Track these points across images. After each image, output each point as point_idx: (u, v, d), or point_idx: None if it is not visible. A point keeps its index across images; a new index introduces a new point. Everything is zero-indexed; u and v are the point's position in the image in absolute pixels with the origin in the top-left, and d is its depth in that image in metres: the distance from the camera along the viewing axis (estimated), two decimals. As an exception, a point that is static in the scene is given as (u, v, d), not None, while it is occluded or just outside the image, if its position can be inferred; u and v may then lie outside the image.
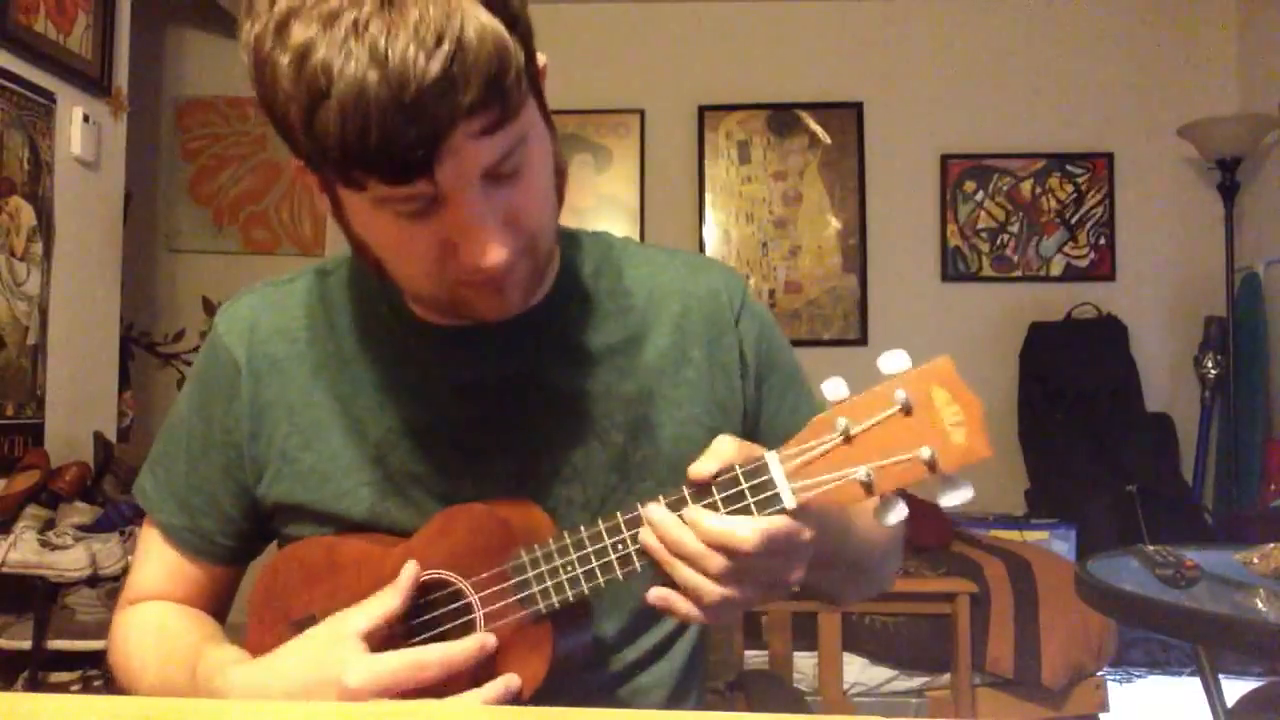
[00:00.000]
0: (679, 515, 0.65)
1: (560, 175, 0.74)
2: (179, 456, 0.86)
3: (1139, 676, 3.24)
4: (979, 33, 3.98)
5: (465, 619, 0.72)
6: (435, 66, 0.57)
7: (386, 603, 0.70)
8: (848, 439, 0.61)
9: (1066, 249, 3.92)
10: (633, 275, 0.86)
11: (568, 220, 0.80)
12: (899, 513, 0.61)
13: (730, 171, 4.01)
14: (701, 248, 3.97)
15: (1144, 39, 3.92)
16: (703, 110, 4.00)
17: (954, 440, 0.59)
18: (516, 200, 0.67)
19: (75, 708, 0.59)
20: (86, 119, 2.52)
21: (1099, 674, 2.61)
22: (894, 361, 0.60)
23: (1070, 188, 3.93)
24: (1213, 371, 3.68)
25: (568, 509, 0.79)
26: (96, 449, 2.44)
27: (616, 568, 0.67)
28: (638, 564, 0.67)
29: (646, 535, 0.66)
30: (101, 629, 1.95)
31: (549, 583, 0.69)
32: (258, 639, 0.78)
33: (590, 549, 0.68)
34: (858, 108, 3.98)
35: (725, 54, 4.03)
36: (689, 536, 0.64)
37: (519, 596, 0.70)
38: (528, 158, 0.67)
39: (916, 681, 2.57)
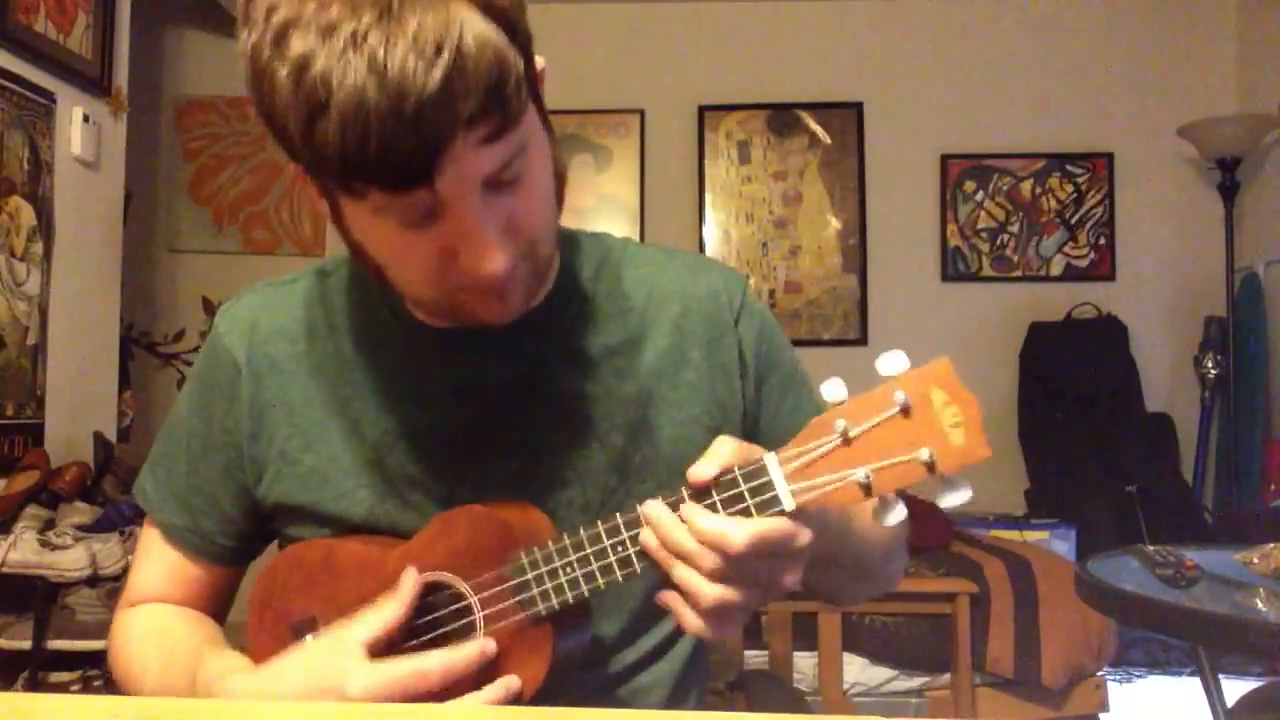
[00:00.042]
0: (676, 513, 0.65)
1: (560, 179, 0.74)
2: (179, 457, 0.86)
3: (1139, 676, 3.24)
4: (979, 33, 3.98)
5: (465, 620, 0.72)
6: (435, 77, 0.57)
7: (387, 613, 0.70)
8: (847, 440, 0.61)
9: (1066, 249, 3.93)
10: (632, 276, 0.86)
11: (568, 220, 0.80)
12: (898, 514, 0.61)
13: (730, 171, 4.01)
14: (701, 248, 3.97)
15: (1144, 39, 3.92)
16: (703, 110, 4.00)
17: (953, 441, 0.59)
18: (517, 207, 0.67)
19: (75, 708, 0.59)
20: (86, 119, 2.52)
21: (1099, 674, 2.61)
22: (892, 363, 0.60)
23: (1070, 188, 3.93)
24: (1213, 371, 3.68)
25: (567, 511, 0.79)
26: (96, 449, 2.44)
27: (616, 570, 0.68)
28: (637, 566, 0.67)
29: (646, 534, 0.66)
30: (101, 629, 1.95)
31: (549, 584, 0.69)
32: (257, 641, 0.78)
33: (590, 550, 0.68)
34: (858, 108, 3.98)
35: (725, 54, 4.03)
36: (683, 534, 0.64)
37: (519, 598, 0.70)
38: (528, 164, 0.67)
39: (916, 681, 2.57)
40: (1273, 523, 3.03)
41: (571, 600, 0.69)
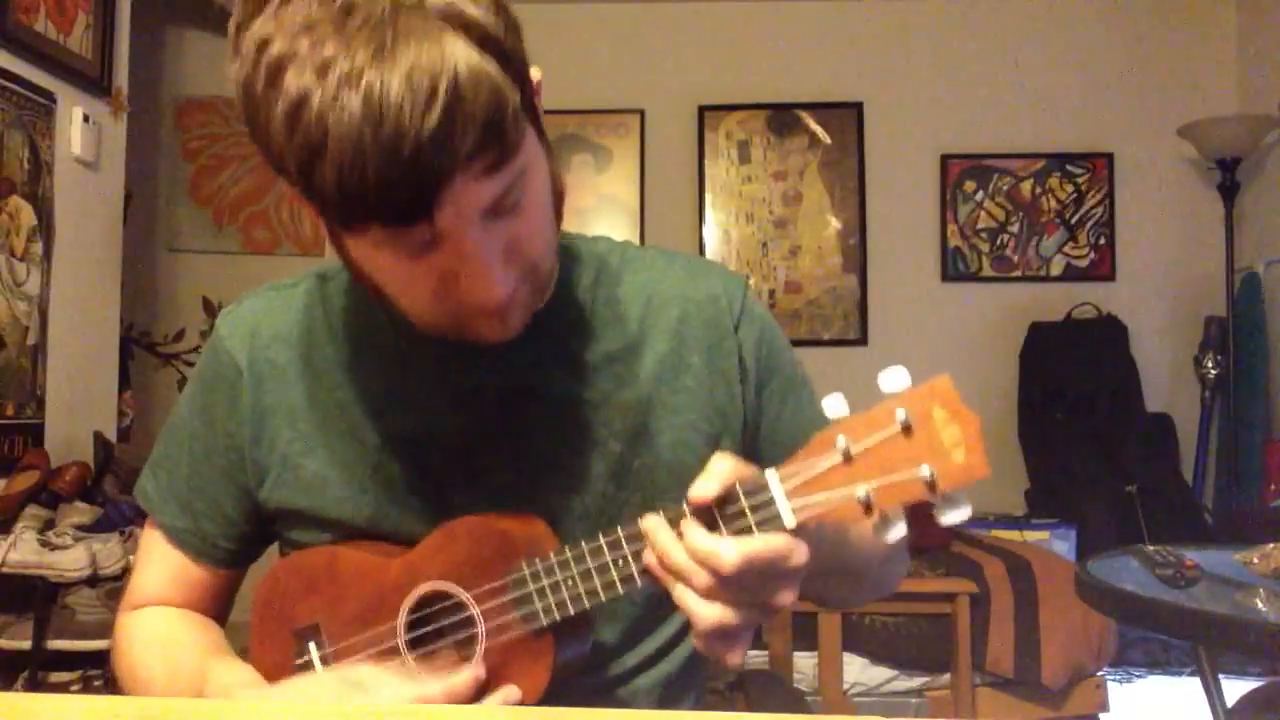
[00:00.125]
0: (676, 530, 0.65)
1: (559, 196, 0.74)
2: (181, 459, 0.86)
3: (1139, 676, 3.24)
4: (979, 33, 3.98)
5: (468, 632, 0.72)
6: (431, 119, 0.57)
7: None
8: (848, 459, 0.61)
9: (1066, 249, 3.93)
10: (631, 282, 0.86)
11: (568, 220, 0.80)
12: (898, 531, 0.60)
13: (730, 171, 4.01)
14: (701, 248, 3.97)
15: (1144, 39, 3.92)
16: (703, 110, 4.00)
17: (954, 459, 0.59)
18: (517, 230, 0.67)
19: (75, 708, 0.59)
20: (86, 119, 2.52)
21: (1099, 674, 2.61)
22: (894, 379, 0.60)
23: (1070, 188, 3.93)
24: (1213, 371, 3.68)
25: (566, 518, 0.79)
26: (96, 449, 2.44)
27: (618, 583, 0.68)
28: (638, 579, 0.67)
29: (650, 553, 0.66)
30: (101, 629, 1.95)
31: (550, 596, 0.69)
32: (260, 647, 0.79)
33: (591, 564, 0.68)
34: (858, 108, 3.98)
35: (725, 54, 4.03)
36: (678, 550, 0.64)
37: (521, 610, 0.70)
38: (527, 188, 0.66)
39: (916, 681, 2.57)
40: (1273, 523, 3.03)
41: (573, 612, 0.69)
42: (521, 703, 0.69)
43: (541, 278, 0.73)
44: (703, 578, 0.62)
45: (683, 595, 0.64)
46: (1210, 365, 3.68)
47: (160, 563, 0.87)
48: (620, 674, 0.83)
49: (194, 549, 0.86)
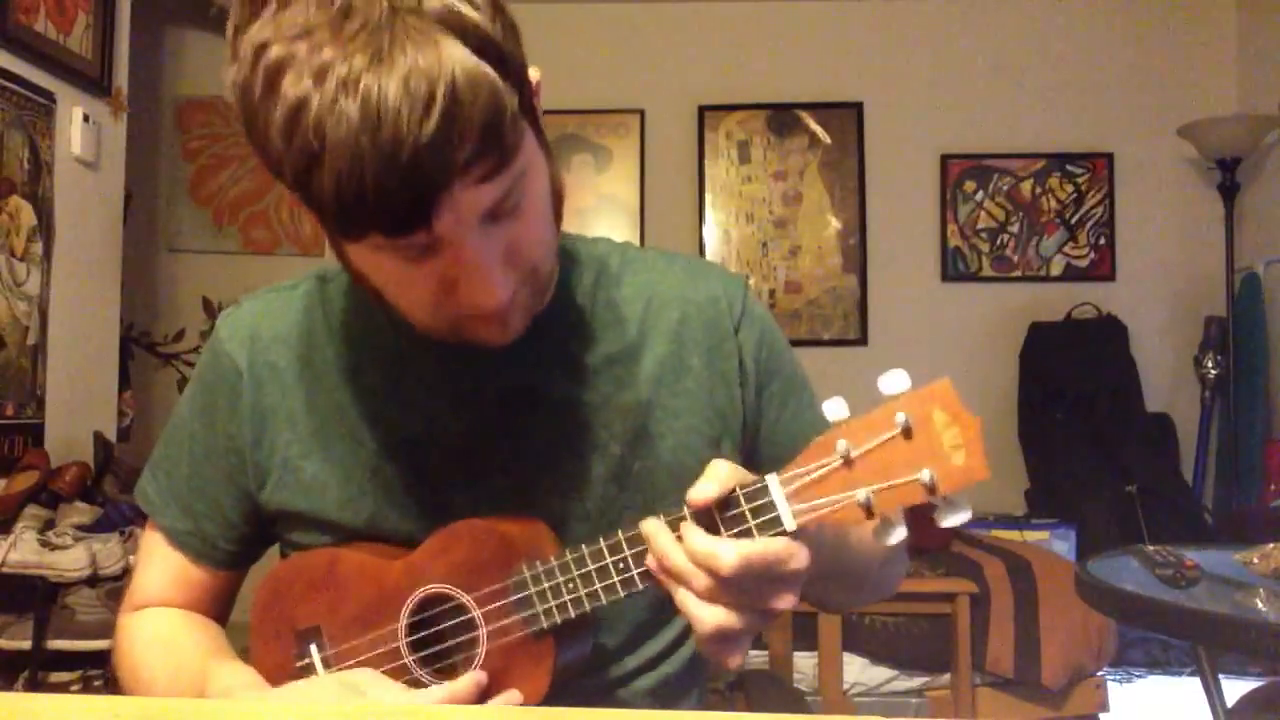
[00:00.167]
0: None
1: (558, 197, 0.74)
2: (182, 460, 0.86)
3: (1139, 676, 3.24)
4: (979, 33, 3.98)
5: (469, 635, 0.72)
6: (429, 125, 0.56)
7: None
8: (848, 462, 0.61)
9: (1066, 249, 3.93)
10: (631, 284, 0.85)
11: (568, 220, 0.79)
12: (898, 534, 0.60)
13: (730, 171, 4.01)
14: (701, 248, 3.97)
15: (1144, 39, 3.92)
16: (703, 110, 4.00)
17: (954, 462, 0.59)
18: (516, 233, 0.67)
19: (75, 708, 0.59)
20: (86, 119, 2.52)
21: (1099, 674, 2.61)
22: (894, 382, 0.60)
23: (1070, 188, 3.93)
24: (1213, 371, 3.68)
25: (566, 520, 0.79)
26: (96, 449, 2.44)
27: (618, 586, 0.68)
28: (639, 583, 0.67)
29: (651, 558, 0.66)
30: (101, 629, 1.95)
31: (551, 600, 0.69)
32: (261, 648, 0.79)
33: (592, 567, 0.68)
34: (858, 108, 3.98)
35: (725, 54, 4.03)
36: (677, 553, 0.64)
37: (522, 613, 0.70)
38: (526, 191, 0.66)
39: (916, 681, 2.57)
40: (1273, 523, 3.03)
41: (574, 614, 0.69)
42: (522, 705, 0.69)
43: (541, 280, 0.73)
44: (702, 580, 0.62)
45: (683, 598, 0.64)
46: (1210, 365, 3.68)
47: (161, 564, 0.87)
48: (621, 676, 0.83)
49: (194, 550, 0.86)
